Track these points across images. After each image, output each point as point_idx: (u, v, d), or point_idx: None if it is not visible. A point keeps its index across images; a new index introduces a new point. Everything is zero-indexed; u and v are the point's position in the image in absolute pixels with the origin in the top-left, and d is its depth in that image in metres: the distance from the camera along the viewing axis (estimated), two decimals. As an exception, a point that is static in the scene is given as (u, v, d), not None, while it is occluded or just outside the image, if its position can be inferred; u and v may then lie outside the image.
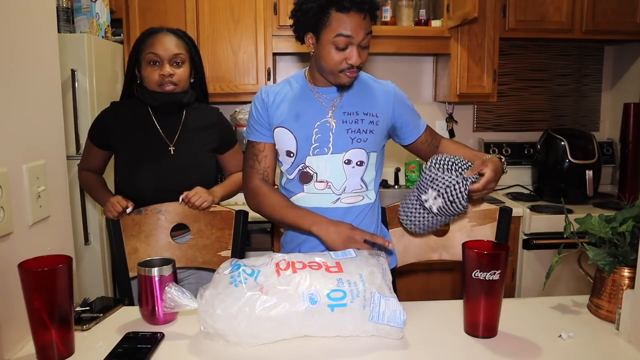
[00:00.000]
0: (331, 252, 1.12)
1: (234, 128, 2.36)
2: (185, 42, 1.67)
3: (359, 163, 1.37)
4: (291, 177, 1.40)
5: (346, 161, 1.36)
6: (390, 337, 1.00)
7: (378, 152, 1.41)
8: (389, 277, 1.06)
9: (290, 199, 1.40)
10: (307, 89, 1.38)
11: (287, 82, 1.42)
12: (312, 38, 1.29)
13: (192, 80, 1.71)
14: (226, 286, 0.98)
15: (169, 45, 1.61)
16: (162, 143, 1.67)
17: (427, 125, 1.50)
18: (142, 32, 1.68)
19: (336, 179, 1.36)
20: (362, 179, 1.38)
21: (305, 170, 1.37)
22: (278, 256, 1.07)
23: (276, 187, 1.44)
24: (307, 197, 1.38)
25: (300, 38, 1.32)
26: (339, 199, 1.37)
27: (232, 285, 0.97)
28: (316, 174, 1.36)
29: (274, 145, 1.41)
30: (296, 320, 0.96)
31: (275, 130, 1.37)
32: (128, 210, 1.53)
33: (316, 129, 1.35)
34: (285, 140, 1.37)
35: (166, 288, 0.99)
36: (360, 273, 1.02)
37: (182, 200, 1.56)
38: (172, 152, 1.67)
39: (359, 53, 1.25)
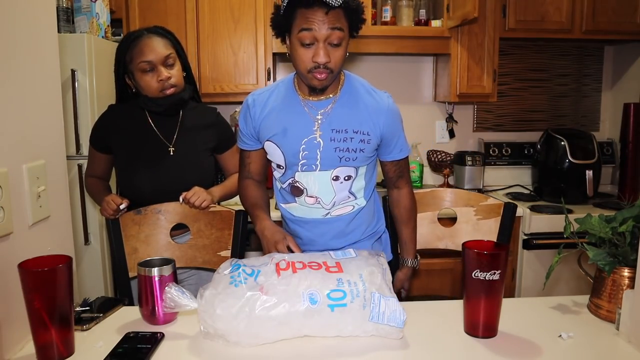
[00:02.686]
0: (331, 252, 1.12)
1: (233, 128, 2.36)
2: (170, 39, 1.65)
3: (346, 178, 1.36)
4: (284, 186, 1.41)
5: (334, 177, 1.35)
6: (390, 337, 1.00)
7: (369, 164, 1.40)
8: (389, 277, 1.06)
9: (286, 206, 1.43)
10: (295, 99, 1.34)
11: (275, 88, 1.38)
12: (287, 39, 1.27)
13: (184, 75, 1.70)
14: (226, 286, 0.98)
15: (157, 48, 1.58)
16: (161, 144, 1.67)
17: (404, 159, 1.45)
18: (123, 38, 1.65)
19: (325, 195, 1.37)
20: (349, 191, 1.39)
21: (295, 184, 1.37)
22: (278, 256, 1.07)
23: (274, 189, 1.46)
24: (301, 208, 1.41)
25: (284, 42, 1.30)
26: (328, 212, 1.40)
27: (232, 285, 0.98)
28: (306, 189, 1.37)
29: (261, 150, 1.42)
30: (296, 320, 0.96)
31: (265, 143, 1.37)
32: (122, 207, 1.53)
33: (303, 146, 1.32)
34: (274, 153, 1.36)
35: (166, 288, 0.99)
36: (360, 273, 1.02)
37: (182, 200, 1.56)
38: (171, 153, 1.67)
39: (326, 51, 1.20)
